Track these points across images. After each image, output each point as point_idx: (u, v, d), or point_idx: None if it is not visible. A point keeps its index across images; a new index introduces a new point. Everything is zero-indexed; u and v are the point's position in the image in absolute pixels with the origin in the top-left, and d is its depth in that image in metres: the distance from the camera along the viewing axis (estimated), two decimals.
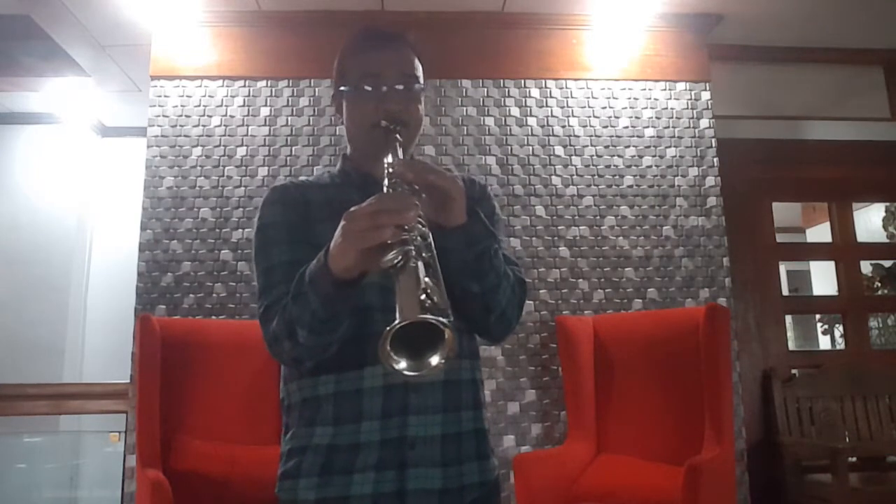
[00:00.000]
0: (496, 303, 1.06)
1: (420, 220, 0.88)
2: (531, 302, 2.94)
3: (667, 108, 3.17)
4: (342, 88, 1.17)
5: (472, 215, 1.02)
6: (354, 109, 1.16)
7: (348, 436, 1.02)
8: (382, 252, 0.83)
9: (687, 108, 3.17)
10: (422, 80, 1.18)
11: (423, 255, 0.84)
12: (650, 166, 3.11)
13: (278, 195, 1.15)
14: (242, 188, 2.96)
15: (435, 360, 0.79)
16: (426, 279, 0.80)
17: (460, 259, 1.01)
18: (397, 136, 1.09)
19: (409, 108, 1.14)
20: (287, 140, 3.00)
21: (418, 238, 0.85)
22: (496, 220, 1.20)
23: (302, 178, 1.38)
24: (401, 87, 1.13)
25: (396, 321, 0.76)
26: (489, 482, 1.11)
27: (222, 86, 3.05)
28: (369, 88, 1.12)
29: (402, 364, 0.79)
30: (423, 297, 0.78)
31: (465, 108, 3.09)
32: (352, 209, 0.88)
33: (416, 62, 1.18)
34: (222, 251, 2.90)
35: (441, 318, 0.77)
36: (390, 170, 0.99)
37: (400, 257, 0.82)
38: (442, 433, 1.05)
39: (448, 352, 0.79)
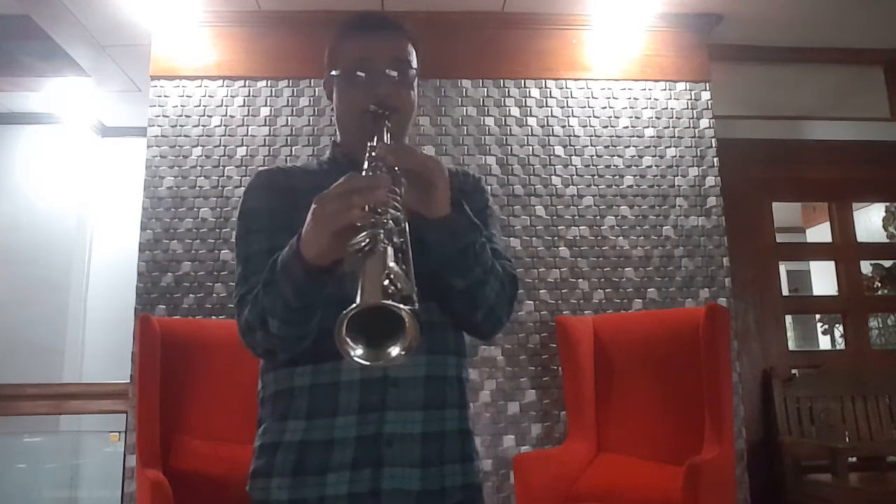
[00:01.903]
0: (482, 299, 1.02)
1: (396, 203, 0.85)
2: (531, 302, 2.94)
3: (667, 108, 3.17)
4: (333, 73, 1.15)
5: (456, 207, 0.98)
6: (345, 94, 1.13)
7: (322, 431, 0.98)
8: (353, 235, 0.79)
9: (687, 108, 3.17)
10: (415, 67, 1.14)
11: (395, 239, 0.80)
12: (650, 166, 3.11)
13: (263, 180, 1.12)
14: (242, 188, 2.94)
15: (395, 351, 0.74)
16: (392, 264, 0.76)
17: (443, 253, 0.97)
18: (386, 121, 1.06)
19: (401, 93, 1.11)
20: (287, 140, 3.00)
21: (390, 222, 0.81)
22: (489, 213, 1.17)
23: (290, 163, 1.34)
24: (393, 73, 1.10)
25: (353, 305, 0.71)
26: (474, 486, 1.06)
27: (222, 86, 3.05)
28: (361, 74, 1.10)
29: (359, 352, 0.74)
30: (386, 282, 0.73)
31: (465, 108, 3.09)
32: (323, 192, 0.85)
33: (410, 48, 1.15)
34: (222, 251, 2.89)
35: (400, 305, 0.72)
36: (372, 153, 0.96)
37: (367, 241, 0.77)
38: (422, 431, 1.00)
39: (410, 341, 0.73)
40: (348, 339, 0.73)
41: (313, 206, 0.85)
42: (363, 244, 0.77)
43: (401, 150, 0.96)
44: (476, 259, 1.00)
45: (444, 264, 0.98)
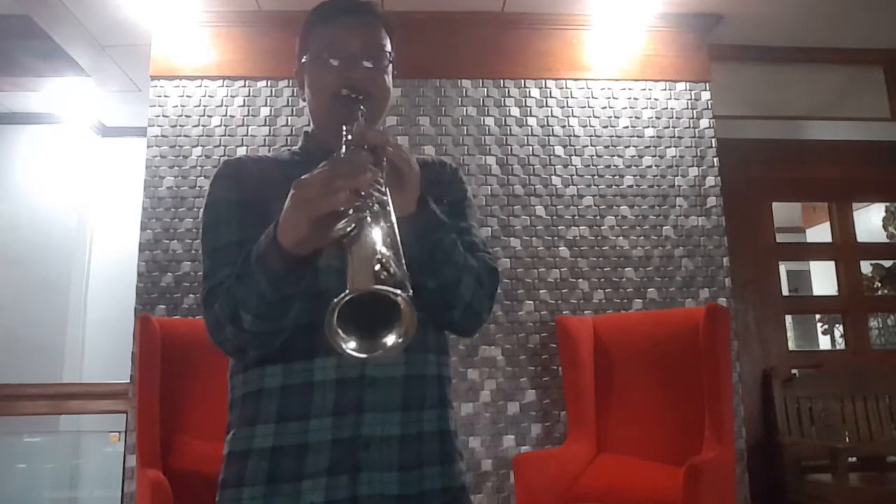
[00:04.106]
0: (457, 298, 0.98)
1: (379, 185, 0.80)
2: (531, 302, 2.94)
3: (667, 108, 3.17)
4: (304, 60, 1.10)
5: (422, 203, 0.93)
6: (316, 81, 1.08)
7: (295, 435, 0.92)
8: (336, 221, 0.75)
9: (687, 108, 3.17)
10: (390, 53, 1.08)
11: (382, 223, 0.75)
12: (650, 166, 3.11)
13: (232, 170, 1.07)
14: None
15: (391, 339, 0.70)
16: (382, 248, 0.71)
17: (409, 253, 0.93)
18: (361, 107, 1.00)
19: (376, 78, 1.05)
20: (287, 140, 3.00)
21: (375, 205, 0.77)
22: (468, 204, 1.12)
23: (261, 153, 1.27)
24: (367, 58, 1.05)
25: (345, 293, 0.66)
26: (454, 488, 1.01)
27: (222, 86, 3.05)
28: (334, 61, 1.04)
29: (353, 344, 0.69)
30: (377, 267, 0.69)
31: (465, 108, 3.09)
32: (302, 177, 0.80)
33: (384, 33, 1.09)
34: None
35: (395, 289, 0.67)
36: (348, 136, 0.91)
37: (353, 225, 0.73)
38: (401, 433, 0.95)
39: (406, 328, 0.69)
40: (339, 331, 0.68)
41: (292, 191, 0.81)
42: (349, 229, 0.73)
43: (377, 131, 0.91)
44: (446, 258, 0.96)
45: (412, 264, 0.94)
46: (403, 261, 0.73)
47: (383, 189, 0.81)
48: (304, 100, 1.13)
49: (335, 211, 0.76)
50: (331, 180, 0.77)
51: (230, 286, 0.91)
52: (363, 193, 0.77)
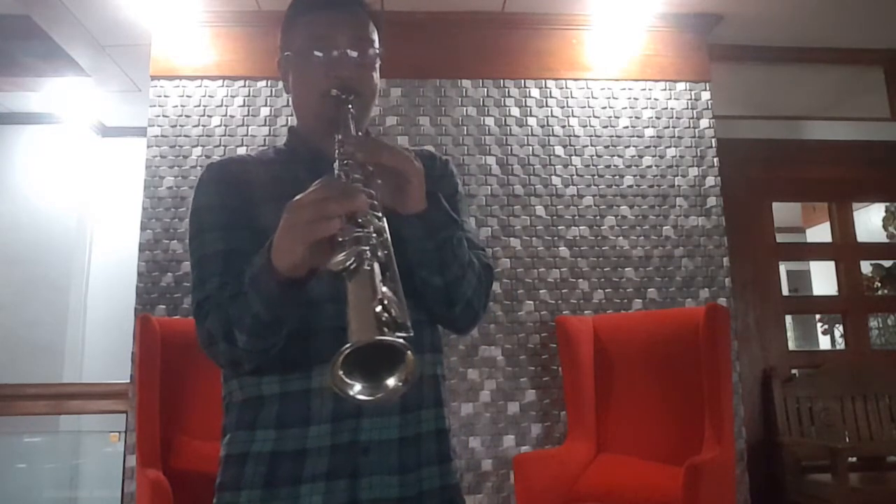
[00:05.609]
0: (460, 295, 0.98)
1: (375, 209, 0.79)
2: (531, 302, 2.94)
3: (667, 108, 3.17)
4: (288, 54, 1.06)
5: (432, 200, 0.93)
6: (302, 77, 1.04)
7: (294, 441, 0.92)
8: (332, 249, 0.73)
9: (687, 108, 3.17)
10: (377, 46, 1.05)
11: (379, 254, 0.74)
12: (650, 166, 3.11)
13: (215, 173, 1.03)
14: None
15: (392, 382, 0.70)
16: (383, 289, 0.70)
17: (419, 250, 0.93)
18: (349, 106, 0.98)
19: (363, 75, 1.02)
20: None
21: (373, 235, 0.75)
22: (459, 198, 1.11)
23: (245, 153, 1.24)
24: (354, 52, 1.02)
25: (348, 344, 0.66)
26: (451, 486, 1.01)
27: (222, 86, 3.05)
28: (319, 54, 1.01)
29: (357, 388, 0.69)
30: (378, 309, 0.68)
31: (465, 108, 3.09)
32: (295, 199, 0.78)
33: (371, 25, 1.06)
34: None
35: (400, 340, 0.67)
36: (340, 149, 0.88)
37: (352, 259, 0.71)
38: (399, 437, 0.95)
39: (408, 375, 0.69)
40: (344, 378, 0.68)
41: (285, 214, 0.78)
42: (348, 263, 0.71)
43: (370, 144, 0.89)
44: (454, 254, 0.95)
45: (421, 262, 0.94)
46: (403, 296, 0.72)
47: (379, 214, 0.79)
48: (287, 93, 1.10)
49: (332, 238, 0.74)
50: (324, 204, 0.75)
51: (223, 303, 0.89)
52: (359, 220, 0.75)
